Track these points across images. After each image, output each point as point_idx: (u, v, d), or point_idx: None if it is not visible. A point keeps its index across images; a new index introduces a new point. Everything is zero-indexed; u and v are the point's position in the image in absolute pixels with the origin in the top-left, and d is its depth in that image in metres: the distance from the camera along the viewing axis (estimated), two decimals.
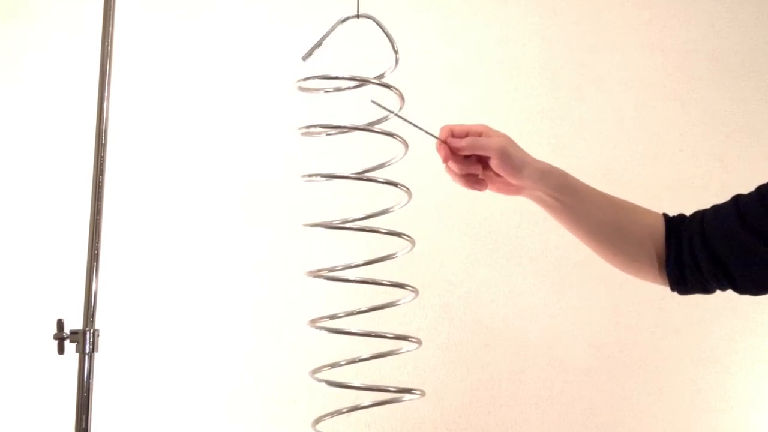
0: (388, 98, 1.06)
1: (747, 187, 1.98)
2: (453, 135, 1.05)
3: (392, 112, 1.03)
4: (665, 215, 1.10)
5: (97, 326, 1.22)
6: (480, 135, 1.05)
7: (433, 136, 1.06)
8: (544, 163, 1.07)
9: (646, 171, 1.97)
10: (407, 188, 1.05)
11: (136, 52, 1.90)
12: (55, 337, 1.18)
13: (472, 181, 1.08)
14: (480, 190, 1.09)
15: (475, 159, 1.06)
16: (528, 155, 1.06)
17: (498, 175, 1.06)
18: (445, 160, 1.05)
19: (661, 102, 2.00)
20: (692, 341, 1.91)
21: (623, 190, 1.93)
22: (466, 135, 1.05)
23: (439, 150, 1.05)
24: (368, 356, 1.14)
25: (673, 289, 1.08)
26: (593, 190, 1.10)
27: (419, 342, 1.06)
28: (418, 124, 1.04)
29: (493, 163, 1.04)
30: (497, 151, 1.03)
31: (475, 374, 1.89)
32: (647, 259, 1.07)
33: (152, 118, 1.93)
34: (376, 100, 1.02)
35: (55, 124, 1.91)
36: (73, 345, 1.19)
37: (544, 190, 1.06)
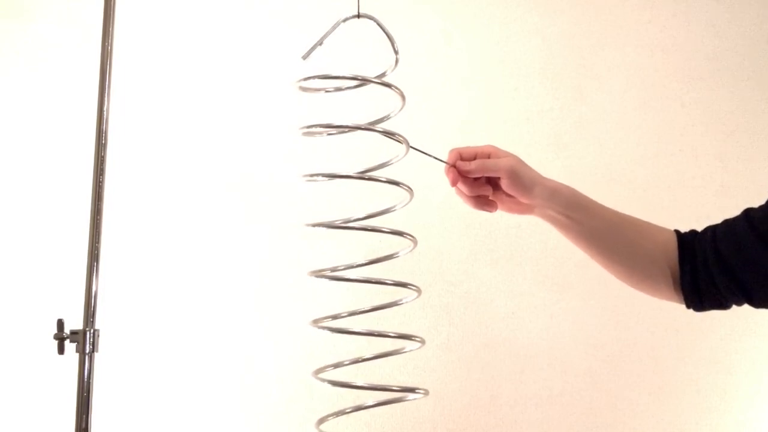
0: (389, 98, 1.06)
1: (747, 187, 2.00)
2: (461, 158, 1.05)
3: (403, 142, 1.04)
4: (677, 231, 1.09)
5: (97, 326, 1.22)
6: (488, 156, 1.05)
7: (442, 161, 1.06)
8: (553, 181, 1.07)
9: (646, 171, 1.97)
10: (409, 187, 1.05)
11: (136, 52, 1.90)
12: (55, 337, 1.18)
13: (483, 202, 1.08)
14: (490, 211, 1.10)
15: (484, 180, 1.07)
16: (537, 174, 1.06)
17: (508, 195, 1.07)
18: (453, 184, 1.06)
19: (661, 102, 2.00)
20: (692, 341, 1.91)
21: (623, 190, 1.95)
22: (475, 157, 1.05)
23: (447, 174, 1.06)
24: (371, 356, 1.13)
25: (688, 307, 1.07)
26: (604, 207, 1.09)
27: (422, 341, 1.06)
28: (426, 151, 1.05)
29: (504, 184, 1.04)
30: (507, 171, 1.03)
31: (475, 374, 1.89)
32: (661, 276, 1.07)
33: (152, 118, 1.93)
34: (385, 132, 1.03)
35: (55, 124, 1.91)
36: (73, 345, 1.19)
37: (555, 208, 1.06)
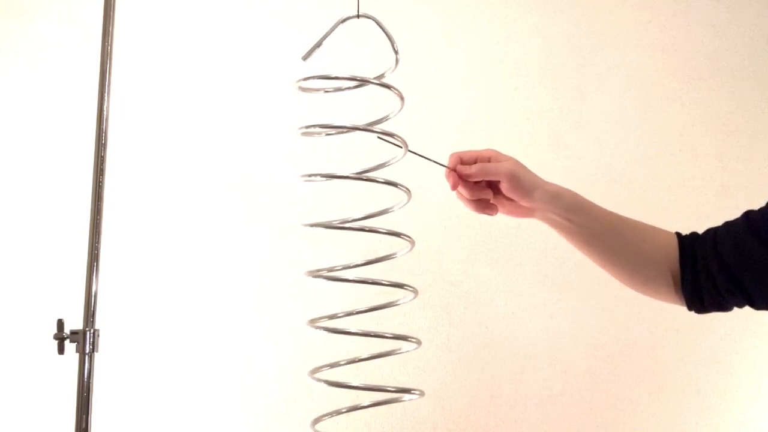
0: (388, 98, 1.06)
1: (747, 187, 1.99)
2: (462, 162, 1.05)
3: (402, 146, 1.03)
4: (678, 234, 1.09)
5: (97, 326, 1.22)
6: (489, 160, 1.05)
7: (442, 165, 1.06)
8: (554, 184, 1.07)
9: (646, 171, 1.97)
10: (407, 188, 1.05)
11: (136, 52, 1.91)
12: (55, 337, 1.18)
13: (483, 205, 1.08)
14: (491, 214, 1.09)
15: (485, 184, 1.07)
16: (538, 177, 1.06)
17: (509, 199, 1.07)
18: (454, 188, 1.06)
19: (661, 102, 2.00)
20: (692, 341, 1.91)
21: (623, 190, 1.95)
22: (475, 161, 1.05)
23: (448, 178, 1.06)
24: (367, 356, 1.13)
25: (690, 309, 1.07)
26: (604, 210, 1.09)
27: (418, 342, 1.06)
28: (427, 156, 1.05)
29: (504, 187, 1.05)
30: (507, 175, 1.03)
31: (475, 374, 1.89)
32: (662, 279, 1.07)
33: (152, 118, 1.93)
34: (382, 136, 1.03)
35: (55, 124, 1.91)
36: (73, 345, 1.19)
37: (556, 211, 1.06)
